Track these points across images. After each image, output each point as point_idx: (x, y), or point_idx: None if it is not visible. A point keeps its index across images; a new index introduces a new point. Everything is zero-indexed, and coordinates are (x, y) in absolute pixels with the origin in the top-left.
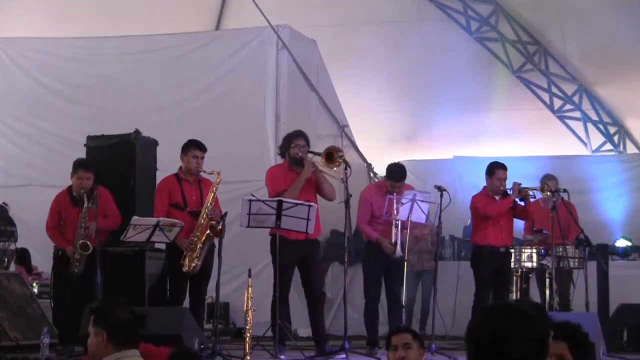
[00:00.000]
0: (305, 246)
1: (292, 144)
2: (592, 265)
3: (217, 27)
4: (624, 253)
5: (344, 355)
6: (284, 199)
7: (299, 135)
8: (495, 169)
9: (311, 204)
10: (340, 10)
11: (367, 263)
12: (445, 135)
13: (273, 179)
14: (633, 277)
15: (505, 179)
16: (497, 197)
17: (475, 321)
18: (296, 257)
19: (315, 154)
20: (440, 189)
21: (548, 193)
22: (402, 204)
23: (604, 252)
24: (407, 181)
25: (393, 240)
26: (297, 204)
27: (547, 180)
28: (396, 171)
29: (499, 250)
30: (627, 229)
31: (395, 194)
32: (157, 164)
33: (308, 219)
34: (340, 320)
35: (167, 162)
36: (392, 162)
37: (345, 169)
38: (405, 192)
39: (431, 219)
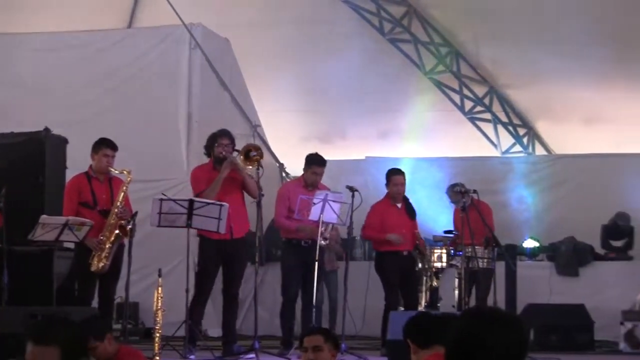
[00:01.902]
0: (230, 245)
1: (216, 143)
2: (500, 266)
3: (130, 25)
4: (532, 253)
5: (253, 356)
6: (194, 199)
7: (223, 134)
8: (392, 175)
9: (222, 203)
10: (254, 10)
11: (286, 262)
12: (358, 136)
13: (196, 179)
14: (540, 277)
15: (402, 184)
16: (399, 205)
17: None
18: (221, 257)
19: (239, 152)
20: (351, 189)
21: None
22: (314, 204)
23: (512, 253)
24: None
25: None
26: (208, 204)
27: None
28: (317, 157)
29: (402, 253)
30: (535, 229)
31: (314, 188)
32: (67, 163)
33: (219, 219)
34: (250, 320)
35: (78, 161)
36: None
37: (258, 168)
38: (317, 192)
39: (342, 219)
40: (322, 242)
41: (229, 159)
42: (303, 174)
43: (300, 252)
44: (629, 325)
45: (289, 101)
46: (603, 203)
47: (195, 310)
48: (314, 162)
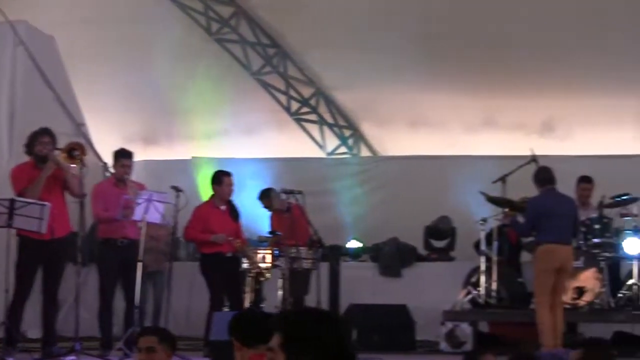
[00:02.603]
0: (50, 245)
1: (37, 142)
2: (324, 266)
3: None
4: (355, 254)
5: (73, 357)
6: (15, 198)
7: (43, 132)
8: (222, 177)
9: (44, 203)
10: (81, 8)
11: (104, 262)
12: (184, 136)
13: (16, 178)
14: (363, 277)
15: (231, 185)
16: (222, 207)
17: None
18: (41, 258)
19: (62, 150)
20: (176, 189)
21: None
22: (138, 203)
23: (336, 253)
24: (144, 181)
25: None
26: (29, 203)
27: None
28: (124, 150)
29: (226, 255)
30: (359, 230)
31: (124, 183)
32: None
33: (41, 218)
34: (71, 321)
35: None
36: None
37: (81, 168)
38: (142, 192)
39: (167, 219)
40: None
41: (52, 158)
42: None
43: (118, 251)
44: (449, 325)
45: (114, 100)
46: (426, 204)
47: (15, 311)
48: (121, 155)
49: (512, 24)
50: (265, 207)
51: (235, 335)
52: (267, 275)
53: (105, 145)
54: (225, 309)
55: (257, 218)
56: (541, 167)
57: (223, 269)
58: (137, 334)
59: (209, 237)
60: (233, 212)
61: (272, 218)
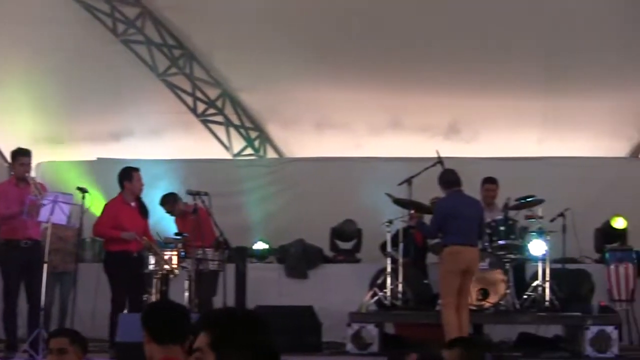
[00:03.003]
0: None
1: None
2: (231, 267)
3: None
4: (261, 255)
5: None
6: None
7: None
8: (133, 172)
9: None
10: None
11: (6, 263)
12: (89, 137)
13: None
14: (269, 279)
15: (142, 180)
16: (132, 204)
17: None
18: None
19: None
20: (82, 190)
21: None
22: (44, 205)
23: (242, 255)
24: (49, 182)
25: None
26: None
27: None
28: (22, 149)
29: (133, 254)
30: (265, 232)
31: (25, 182)
32: None
33: None
34: None
35: None
36: None
37: None
38: (47, 193)
39: (73, 221)
40: None
41: None
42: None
43: (22, 252)
44: (356, 326)
45: (19, 102)
46: (332, 206)
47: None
48: (19, 154)
49: (418, 27)
50: (168, 212)
51: (148, 326)
52: (177, 272)
53: (11, 147)
54: (125, 311)
55: (163, 220)
56: (447, 170)
57: (128, 268)
58: (48, 335)
59: (119, 233)
60: (142, 209)
61: (177, 221)
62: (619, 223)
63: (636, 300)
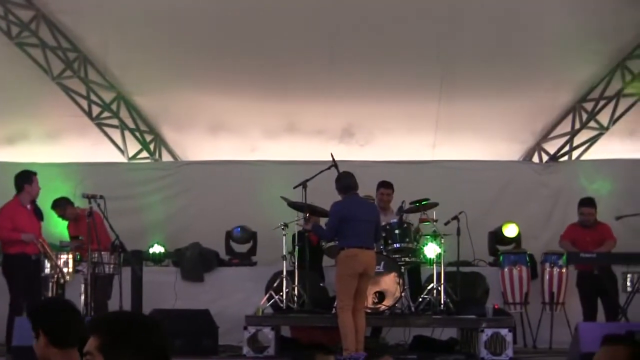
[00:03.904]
0: None
1: None
2: (126, 271)
3: None
4: (157, 259)
5: None
6: None
7: None
8: (32, 175)
9: None
10: None
11: None
12: None
13: None
14: (165, 282)
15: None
16: (28, 206)
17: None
18: None
19: None
20: None
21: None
22: None
23: (138, 258)
24: None
25: None
26: None
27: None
28: None
29: (30, 257)
30: (161, 235)
31: None
32: None
33: None
34: None
35: None
36: None
37: None
38: None
39: None
40: None
41: None
42: None
43: None
44: (252, 329)
45: None
46: (228, 209)
47: None
48: None
49: (313, 31)
50: (59, 216)
51: (44, 328)
52: (68, 278)
53: None
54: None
55: (58, 223)
56: (343, 173)
57: (26, 271)
58: None
59: (20, 235)
60: (37, 212)
61: (69, 226)
62: (510, 230)
63: (530, 303)
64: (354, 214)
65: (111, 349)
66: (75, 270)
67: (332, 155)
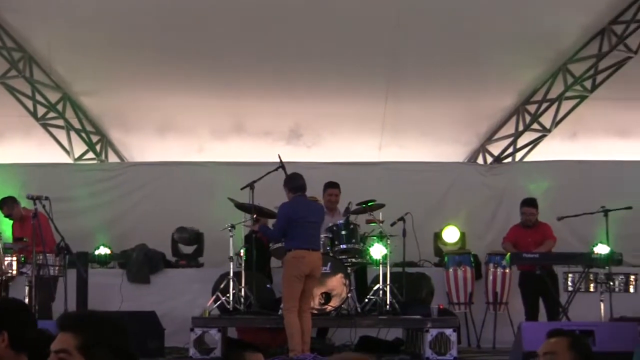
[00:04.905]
0: None
1: None
2: (72, 273)
3: None
4: (103, 261)
5: None
6: None
7: None
8: None
9: None
10: None
11: None
12: None
13: None
14: (112, 284)
15: None
16: None
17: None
18: None
19: None
20: None
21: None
22: None
23: (84, 260)
24: None
25: None
26: None
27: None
28: None
29: None
30: (107, 237)
31: None
32: None
33: None
34: None
35: None
36: None
37: None
38: None
39: None
40: None
41: None
42: None
43: None
44: (198, 331)
45: None
46: (175, 210)
47: None
48: None
49: (260, 32)
50: (6, 215)
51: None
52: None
53: None
54: None
55: (3, 222)
56: (294, 174)
57: None
58: None
59: None
60: None
61: (15, 226)
62: (450, 234)
63: (474, 303)
64: (301, 216)
65: (91, 348)
66: (20, 272)
67: (279, 157)
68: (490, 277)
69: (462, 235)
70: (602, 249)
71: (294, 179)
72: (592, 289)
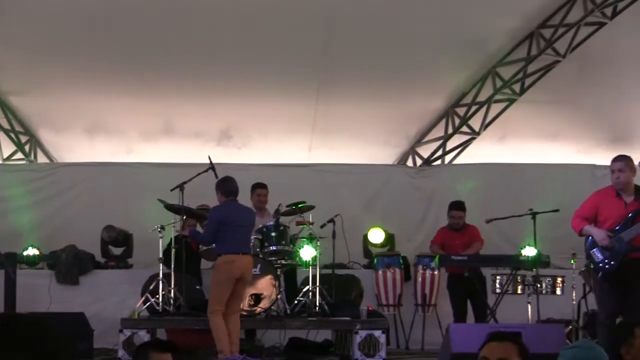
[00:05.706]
0: None
1: None
2: (0, 274)
3: None
4: (32, 262)
5: None
6: None
7: None
8: None
9: None
10: None
11: None
12: None
13: None
14: (40, 285)
15: None
16: None
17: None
18: None
19: None
20: None
21: None
22: None
23: (12, 261)
24: None
25: None
26: None
27: None
28: None
29: None
30: (36, 237)
31: None
32: None
33: None
34: None
35: None
36: None
37: None
38: None
39: None
40: None
41: None
42: None
43: None
44: (127, 332)
45: None
46: (104, 211)
47: None
48: None
49: (190, 31)
50: None
51: None
52: None
53: None
54: None
55: None
56: (227, 177)
57: None
58: None
59: None
60: None
61: None
62: (376, 236)
63: (403, 305)
64: (233, 220)
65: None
66: None
67: (209, 158)
68: (419, 279)
69: (391, 237)
70: (529, 252)
71: (227, 183)
72: (519, 291)
